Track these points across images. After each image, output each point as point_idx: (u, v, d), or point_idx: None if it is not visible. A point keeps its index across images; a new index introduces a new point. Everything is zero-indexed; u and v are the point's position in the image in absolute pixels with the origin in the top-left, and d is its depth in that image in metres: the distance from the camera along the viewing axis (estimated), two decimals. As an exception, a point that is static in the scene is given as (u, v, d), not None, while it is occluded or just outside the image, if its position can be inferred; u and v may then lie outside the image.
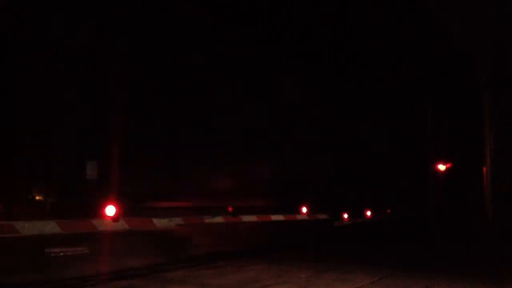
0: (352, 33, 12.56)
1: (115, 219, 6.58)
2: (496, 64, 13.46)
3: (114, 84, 7.26)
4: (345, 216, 11.41)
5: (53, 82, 6.50)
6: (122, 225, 6.82)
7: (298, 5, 10.81)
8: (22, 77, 6.14)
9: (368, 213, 12.68)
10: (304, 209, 10.44)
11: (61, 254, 6.14)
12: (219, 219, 8.56)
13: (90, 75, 6.92)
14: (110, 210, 6.61)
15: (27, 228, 5.30)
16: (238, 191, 9.42)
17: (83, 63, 6.87)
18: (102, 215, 6.57)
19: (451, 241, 12.87)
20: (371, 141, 14.00)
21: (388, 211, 13.70)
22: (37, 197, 6.29)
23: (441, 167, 15.92)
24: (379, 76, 13.97)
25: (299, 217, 10.42)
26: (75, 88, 6.73)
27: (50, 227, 5.56)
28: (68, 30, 6.73)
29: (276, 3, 10.44)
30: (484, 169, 14.11)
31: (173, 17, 8.40)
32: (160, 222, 7.39)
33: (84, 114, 6.78)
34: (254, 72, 10.22)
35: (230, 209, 8.82)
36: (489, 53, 13.44)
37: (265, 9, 10.19)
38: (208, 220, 8.39)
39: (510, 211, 13.11)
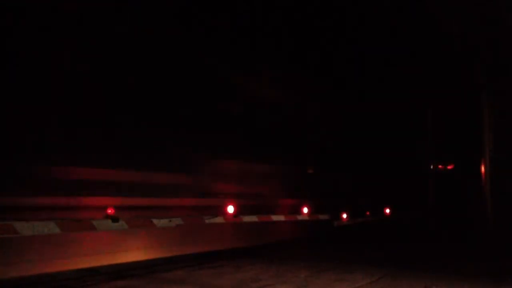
0: (351, 33, 12.56)
1: (114, 219, 6.60)
2: (495, 64, 13.47)
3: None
4: (344, 216, 11.41)
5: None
6: (122, 225, 6.83)
7: (296, 4, 10.82)
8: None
9: (368, 213, 12.68)
10: (305, 210, 10.44)
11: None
12: (219, 219, 8.57)
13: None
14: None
15: (26, 228, 5.31)
16: (239, 190, 9.44)
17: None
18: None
19: (450, 241, 12.86)
20: (371, 141, 14.01)
21: (388, 211, 13.70)
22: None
23: (441, 167, 15.91)
24: (378, 76, 13.98)
25: (299, 217, 10.42)
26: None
27: (50, 227, 5.57)
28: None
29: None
30: (483, 168, 14.11)
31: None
32: (160, 222, 7.41)
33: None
34: (254, 71, 10.25)
35: (229, 208, 8.82)
36: (489, 53, 13.45)
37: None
38: (208, 220, 8.39)
39: (510, 211, 13.10)
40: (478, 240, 12.78)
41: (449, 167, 16.20)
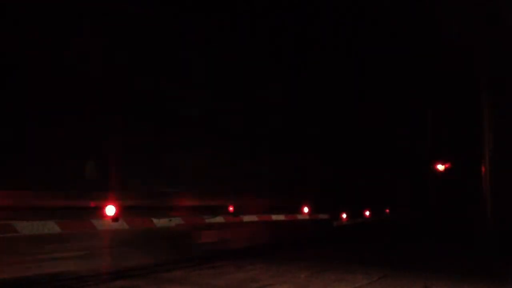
0: (351, 32, 12.56)
1: (114, 218, 6.60)
2: (495, 64, 13.46)
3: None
4: (344, 216, 11.42)
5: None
6: (122, 224, 6.84)
7: (297, 4, 10.82)
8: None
9: (367, 213, 12.69)
10: (306, 209, 10.44)
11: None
12: (219, 219, 8.58)
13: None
14: (110, 210, 6.64)
15: (26, 227, 5.31)
16: (239, 190, 9.44)
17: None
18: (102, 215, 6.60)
19: (450, 241, 12.86)
20: (371, 141, 14.01)
21: (388, 211, 13.71)
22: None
23: (440, 167, 15.93)
24: (379, 75, 13.98)
25: (300, 217, 10.42)
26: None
27: (49, 226, 5.57)
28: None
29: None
30: (483, 168, 14.11)
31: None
32: (159, 222, 7.42)
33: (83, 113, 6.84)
34: (255, 71, 10.25)
35: (230, 208, 8.83)
36: (489, 53, 13.44)
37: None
38: (208, 220, 8.40)
39: (509, 211, 13.10)
40: (478, 240, 12.79)
41: (448, 167, 16.22)
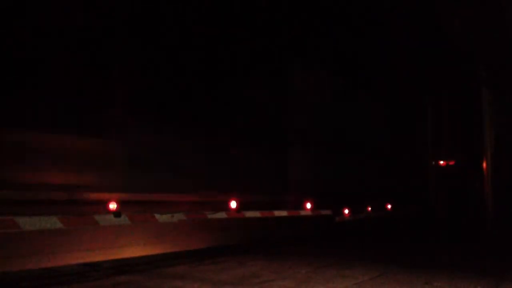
0: (352, 31, 12.53)
1: (117, 214, 6.61)
2: (496, 62, 13.44)
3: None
4: (346, 211, 11.43)
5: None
6: (124, 220, 6.85)
7: (298, 2, 10.80)
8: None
9: (369, 208, 12.69)
10: (308, 205, 10.44)
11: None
12: (221, 215, 8.58)
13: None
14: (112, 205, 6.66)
15: (28, 223, 5.32)
16: (240, 186, 9.45)
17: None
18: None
19: (451, 238, 12.88)
20: (372, 138, 14.01)
21: (389, 208, 13.71)
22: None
23: (442, 164, 15.93)
24: (380, 74, 13.96)
25: (302, 212, 10.42)
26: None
27: (52, 222, 5.58)
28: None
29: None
30: (485, 166, 14.11)
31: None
32: (161, 217, 7.43)
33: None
34: (257, 68, 10.24)
35: (232, 204, 8.82)
36: (489, 52, 13.41)
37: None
38: (210, 215, 8.41)
39: (510, 209, 13.12)
40: (479, 237, 12.81)
41: (450, 164, 16.22)
